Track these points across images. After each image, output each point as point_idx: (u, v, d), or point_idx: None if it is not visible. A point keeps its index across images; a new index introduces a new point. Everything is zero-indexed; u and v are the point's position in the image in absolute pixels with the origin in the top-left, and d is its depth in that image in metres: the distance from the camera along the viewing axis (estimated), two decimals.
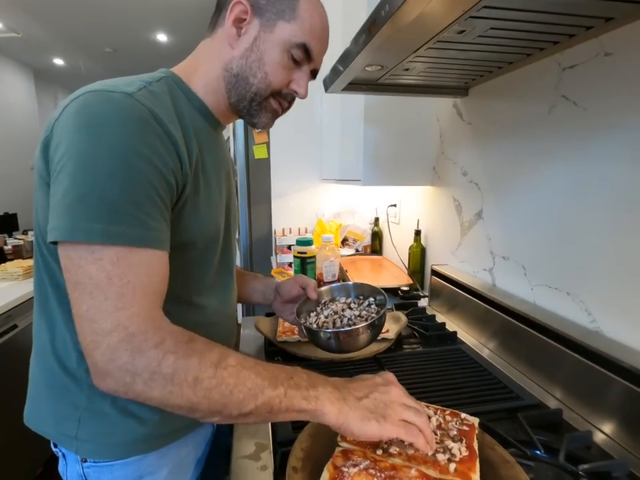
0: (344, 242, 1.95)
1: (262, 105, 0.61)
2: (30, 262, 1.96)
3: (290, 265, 1.76)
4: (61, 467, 0.61)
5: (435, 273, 1.24)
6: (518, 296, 0.94)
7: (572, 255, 0.78)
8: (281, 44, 0.57)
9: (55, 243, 0.45)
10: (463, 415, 0.57)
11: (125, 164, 0.44)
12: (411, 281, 1.37)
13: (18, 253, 2.18)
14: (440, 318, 1.13)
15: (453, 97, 1.14)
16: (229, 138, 2.43)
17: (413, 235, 1.40)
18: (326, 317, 0.79)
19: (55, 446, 0.60)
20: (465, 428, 0.54)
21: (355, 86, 0.99)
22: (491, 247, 1.04)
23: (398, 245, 1.60)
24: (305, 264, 1.39)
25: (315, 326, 0.76)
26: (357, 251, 1.88)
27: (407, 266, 1.45)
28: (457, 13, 0.55)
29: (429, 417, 0.54)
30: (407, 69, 0.86)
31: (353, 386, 0.51)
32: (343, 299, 0.86)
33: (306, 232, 2.09)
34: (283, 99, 0.63)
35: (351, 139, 1.39)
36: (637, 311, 0.66)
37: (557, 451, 0.57)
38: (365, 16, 0.65)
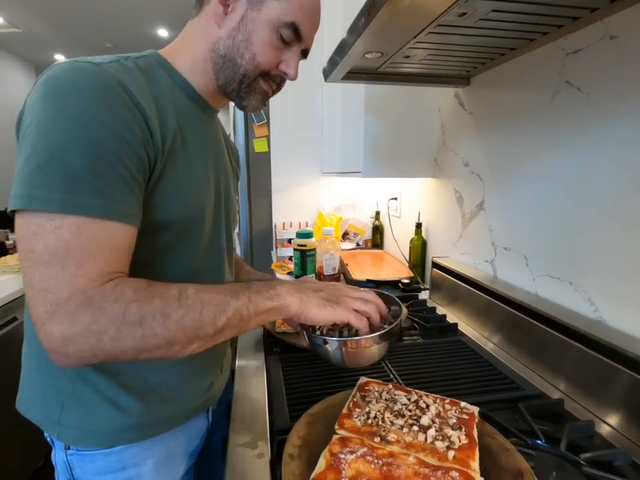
0: (344, 236, 1.94)
1: (251, 86, 0.59)
2: None
3: (290, 258, 1.75)
4: (52, 456, 0.60)
5: (435, 265, 1.23)
6: (520, 287, 0.93)
7: (574, 244, 0.77)
8: (269, 23, 0.55)
9: (14, 212, 0.43)
10: (463, 404, 0.57)
11: (87, 134, 0.43)
12: (411, 274, 1.35)
13: None
14: (441, 311, 1.12)
15: (454, 87, 1.13)
16: (230, 134, 2.42)
17: (414, 228, 1.39)
18: (332, 325, 0.65)
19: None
20: (465, 416, 0.54)
21: (355, 75, 0.97)
22: (492, 238, 1.03)
23: (399, 239, 1.58)
24: (304, 257, 1.37)
25: (318, 333, 0.63)
26: (357, 245, 1.87)
27: (407, 259, 1.44)
28: None
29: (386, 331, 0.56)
30: (408, 56, 0.84)
31: (308, 285, 0.57)
32: None
33: (307, 226, 2.08)
34: (272, 81, 0.61)
35: (352, 131, 1.38)
36: None
37: (559, 440, 0.56)
38: None
